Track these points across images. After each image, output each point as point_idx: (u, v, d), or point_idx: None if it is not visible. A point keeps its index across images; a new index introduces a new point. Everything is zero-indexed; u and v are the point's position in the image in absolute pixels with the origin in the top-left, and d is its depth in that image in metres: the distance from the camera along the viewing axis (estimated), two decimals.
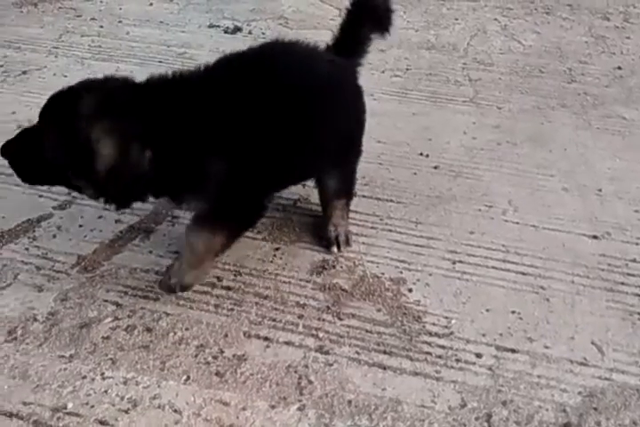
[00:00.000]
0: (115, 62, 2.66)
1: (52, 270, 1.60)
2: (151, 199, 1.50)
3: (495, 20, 3.21)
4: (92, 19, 3.10)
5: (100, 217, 1.79)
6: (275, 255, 1.67)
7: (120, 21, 3.08)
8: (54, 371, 1.34)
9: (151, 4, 3.29)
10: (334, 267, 1.63)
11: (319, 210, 1.83)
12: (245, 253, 1.67)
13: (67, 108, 1.32)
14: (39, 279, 1.57)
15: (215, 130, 1.40)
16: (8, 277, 1.58)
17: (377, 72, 2.62)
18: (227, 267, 1.62)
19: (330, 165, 1.65)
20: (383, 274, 1.61)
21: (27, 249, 1.67)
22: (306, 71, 1.53)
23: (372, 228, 1.77)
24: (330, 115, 1.54)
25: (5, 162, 1.92)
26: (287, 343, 1.42)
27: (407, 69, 2.66)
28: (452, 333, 1.45)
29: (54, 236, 1.72)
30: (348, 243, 1.69)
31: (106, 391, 1.30)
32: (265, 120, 1.44)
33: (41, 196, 1.86)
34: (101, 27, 3.01)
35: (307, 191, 1.90)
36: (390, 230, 1.76)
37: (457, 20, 3.18)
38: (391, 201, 1.88)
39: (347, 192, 1.74)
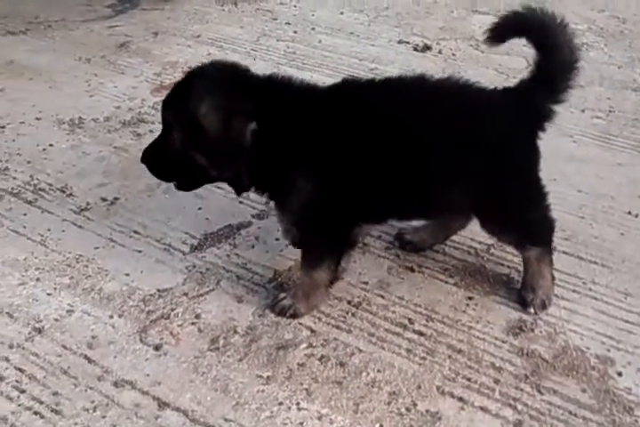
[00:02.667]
0: (308, 71, 2.65)
1: (251, 282, 1.61)
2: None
3: None
4: (287, 23, 3.13)
5: None
6: (468, 305, 1.55)
7: (313, 28, 3.07)
8: (253, 391, 1.33)
9: (342, 13, 3.25)
10: (532, 330, 1.49)
11: (514, 260, 1.69)
12: (437, 297, 1.58)
13: (180, 93, 1.40)
14: (239, 290, 1.58)
15: (320, 129, 1.37)
16: (211, 282, 1.61)
17: (576, 111, 2.38)
18: (418, 309, 1.54)
19: (460, 208, 1.50)
20: (588, 349, 1.44)
21: (228, 256, 1.69)
22: (441, 107, 1.39)
23: (574, 291, 1.60)
24: (455, 154, 1.38)
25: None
26: (483, 409, 1.30)
27: (610, 111, 2.40)
28: None
29: (253, 246, 1.72)
30: (544, 307, 1.52)
31: (301, 424, 1.27)
32: (373, 141, 1.37)
33: (241, 202, 1.88)
34: (295, 32, 3.03)
35: None
36: (595, 298, 1.58)
37: None
38: (595, 263, 1.68)
39: (532, 242, 1.52)
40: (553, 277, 1.57)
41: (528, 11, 1.43)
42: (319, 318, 1.51)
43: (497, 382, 1.36)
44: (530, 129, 1.46)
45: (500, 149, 1.42)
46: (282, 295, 1.52)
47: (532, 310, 1.52)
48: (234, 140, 1.33)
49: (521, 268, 1.65)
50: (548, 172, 2.05)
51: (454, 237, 1.73)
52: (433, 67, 2.71)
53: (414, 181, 1.41)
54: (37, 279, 1.59)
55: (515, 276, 1.63)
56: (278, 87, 1.42)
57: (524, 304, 1.54)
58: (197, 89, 1.36)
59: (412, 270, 1.65)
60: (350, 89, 1.46)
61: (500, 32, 1.48)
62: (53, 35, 2.93)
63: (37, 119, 2.28)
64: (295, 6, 3.33)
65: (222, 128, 1.32)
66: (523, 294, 1.55)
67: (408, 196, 1.44)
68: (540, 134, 1.49)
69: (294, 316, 1.50)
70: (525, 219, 1.50)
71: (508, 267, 1.67)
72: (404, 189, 1.42)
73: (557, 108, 2.27)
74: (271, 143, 1.37)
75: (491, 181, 1.42)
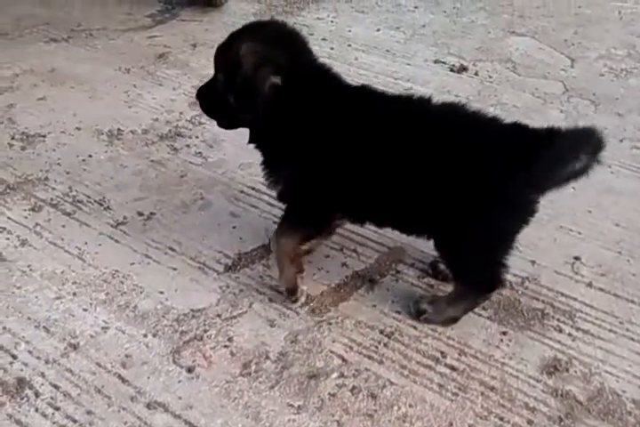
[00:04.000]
0: None
1: (284, 306, 1.60)
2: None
3: None
4: (324, 39, 3.12)
5: (327, 256, 1.77)
6: (501, 340, 1.53)
7: (349, 45, 3.07)
8: (284, 420, 1.32)
9: (378, 30, 3.24)
10: (567, 370, 1.45)
11: (549, 295, 1.66)
12: (470, 330, 1.55)
13: (230, 41, 1.52)
14: (271, 313, 1.58)
15: (330, 113, 1.46)
16: (244, 305, 1.60)
17: (614, 140, 2.33)
18: (450, 342, 1.52)
19: (423, 227, 1.50)
20: (624, 392, 1.40)
21: (261, 277, 1.69)
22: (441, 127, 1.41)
23: (610, 330, 1.56)
24: (426, 178, 1.40)
25: (245, 179, 2.04)
26: None
27: None
28: None
29: None
30: (416, 316, 1.55)
31: None
32: (364, 144, 1.44)
33: (275, 222, 1.89)
34: (332, 49, 3.02)
35: (537, 270, 1.74)
36: (632, 339, 1.54)
37: None
38: (632, 302, 1.64)
39: (459, 276, 1.53)
40: (455, 319, 1.53)
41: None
42: (350, 347, 1.49)
43: (530, 422, 1.34)
44: (518, 178, 1.35)
45: (473, 188, 1.37)
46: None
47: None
48: (255, 85, 1.44)
49: (556, 303, 1.63)
50: (584, 203, 2.05)
51: None
52: (469, 89, 2.69)
53: (386, 191, 1.45)
54: (74, 294, 1.61)
55: (550, 311, 1.60)
56: (318, 65, 1.53)
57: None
58: (245, 35, 1.50)
59: None
60: (371, 94, 1.53)
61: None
62: (95, 43, 2.97)
63: (77, 129, 2.31)
64: (332, 22, 3.33)
65: (252, 71, 1.44)
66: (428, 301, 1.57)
67: (381, 204, 1.50)
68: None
69: (290, 292, 1.59)
70: (469, 260, 1.48)
71: (543, 302, 1.64)
72: (377, 197, 1.48)
73: None
74: (285, 108, 1.47)
75: (453, 214, 1.41)
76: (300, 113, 1.47)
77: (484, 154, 1.38)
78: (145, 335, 1.50)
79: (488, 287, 1.54)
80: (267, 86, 1.43)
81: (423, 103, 1.48)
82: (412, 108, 1.48)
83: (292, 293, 1.60)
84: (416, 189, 1.43)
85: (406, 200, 1.46)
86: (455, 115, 1.45)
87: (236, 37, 1.50)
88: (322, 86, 1.50)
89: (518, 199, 1.40)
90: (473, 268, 1.51)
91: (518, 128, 1.42)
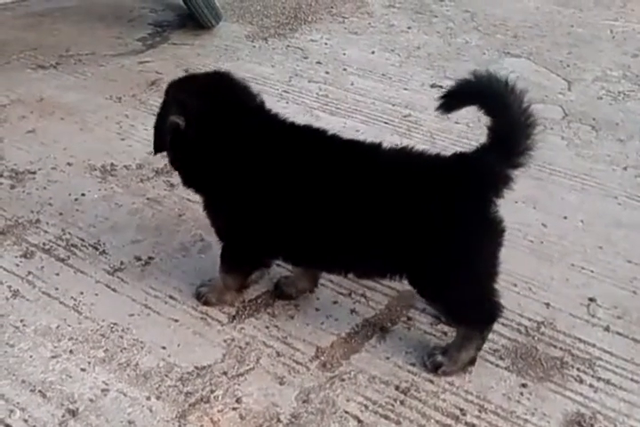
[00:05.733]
0: (341, 117, 2.55)
1: (292, 360, 1.51)
2: None
3: None
4: (318, 62, 3.04)
5: (335, 302, 1.68)
6: (522, 393, 1.45)
7: (344, 69, 2.98)
8: None
9: (373, 52, 3.17)
10: (592, 426, 1.38)
11: (566, 341, 1.59)
12: (488, 383, 1.47)
13: (167, 87, 1.57)
14: (280, 369, 1.48)
15: (248, 155, 1.44)
16: (251, 360, 1.50)
17: (618, 168, 2.29)
18: (469, 397, 1.43)
19: (380, 271, 1.46)
20: None
21: (267, 328, 1.59)
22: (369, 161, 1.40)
23: (632, 380, 1.49)
24: (367, 212, 1.37)
25: None
26: None
27: None
28: None
29: (292, 317, 1.62)
30: (437, 371, 1.46)
31: None
32: (297, 178, 1.42)
33: (279, 265, 1.80)
34: (327, 73, 2.94)
35: (552, 313, 1.67)
36: None
37: None
38: None
39: (453, 318, 1.50)
40: (472, 361, 1.47)
41: (477, 78, 1.35)
42: (366, 406, 1.40)
43: None
44: (477, 198, 1.37)
45: (429, 218, 1.34)
46: (205, 283, 1.68)
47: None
48: (159, 123, 1.49)
49: (575, 351, 1.56)
50: (593, 238, 1.98)
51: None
52: (468, 115, 2.61)
53: (329, 235, 1.42)
54: (71, 351, 1.50)
55: (568, 360, 1.53)
56: (243, 111, 1.49)
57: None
58: (178, 82, 1.54)
59: None
60: (302, 140, 1.48)
61: (452, 102, 1.41)
62: (84, 70, 2.85)
63: (69, 164, 2.20)
64: (326, 44, 3.25)
65: (162, 110, 1.49)
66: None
67: (324, 248, 1.46)
68: (498, 202, 1.37)
69: (206, 303, 1.65)
70: (455, 298, 1.43)
71: (561, 349, 1.56)
72: (318, 241, 1.44)
73: (598, 165, 2.26)
74: (191, 150, 1.48)
75: (418, 249, 1.37)
76: (206, 157, 1.47)
77: (431, 183, 1.36)
78: (148, 398, 1.40)
79: (487, 319, 1.47)
80: (166, 125, 1.46)
81: (370, 147, 1.45)
82: (350, 149, 1.44)
83: (208, 304, 1.64)
84: (368, 232, 1.38)
85: (359, 244, 1.41)
86: (397, 154, 1.43)
87: (171, 84, 1.55)
88: (237, 133, 1.45)
89: (480, 222, 1.37)
90: (463, 305, 1.44)
91: (457, 156, 1.41)
